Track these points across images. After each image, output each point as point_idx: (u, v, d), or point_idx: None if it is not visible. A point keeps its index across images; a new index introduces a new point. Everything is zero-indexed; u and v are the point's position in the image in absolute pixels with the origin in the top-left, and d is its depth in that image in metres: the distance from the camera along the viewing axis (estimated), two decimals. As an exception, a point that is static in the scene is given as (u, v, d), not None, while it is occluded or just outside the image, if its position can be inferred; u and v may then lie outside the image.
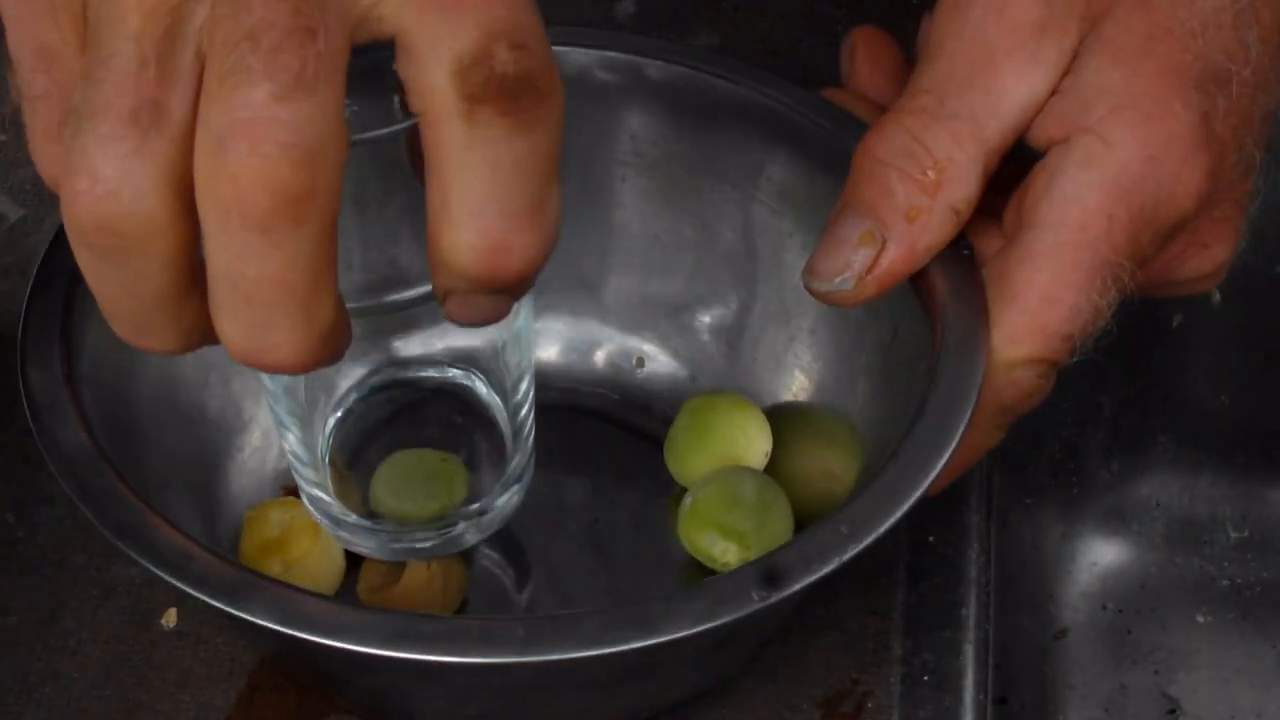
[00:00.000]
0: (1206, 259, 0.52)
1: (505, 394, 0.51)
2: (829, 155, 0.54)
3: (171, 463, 0.52)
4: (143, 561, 0.44)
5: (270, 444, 0.56)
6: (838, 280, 0.50)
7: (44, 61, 0.39)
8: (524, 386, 0.51)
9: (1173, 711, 0.71)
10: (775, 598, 0.43)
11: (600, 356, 0.60)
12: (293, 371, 0.39)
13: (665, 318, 0.59)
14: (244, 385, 0.55)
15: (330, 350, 0.39)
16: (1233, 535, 0.74)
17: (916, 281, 0.50)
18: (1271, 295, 0.70)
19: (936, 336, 0.49)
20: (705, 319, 0.59)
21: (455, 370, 0.51)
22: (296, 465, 0.51)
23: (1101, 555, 0.74)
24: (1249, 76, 0.49)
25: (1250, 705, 0.71)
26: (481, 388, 0.51)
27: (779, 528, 0.53)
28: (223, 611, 0.43)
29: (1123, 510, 0.75)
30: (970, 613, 0.55)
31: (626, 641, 0.42)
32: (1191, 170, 0.49)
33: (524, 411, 0.51)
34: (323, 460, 0.51)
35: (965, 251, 0.50)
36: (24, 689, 0.52)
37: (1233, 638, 0.72)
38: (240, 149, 0.36)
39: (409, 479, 0.51)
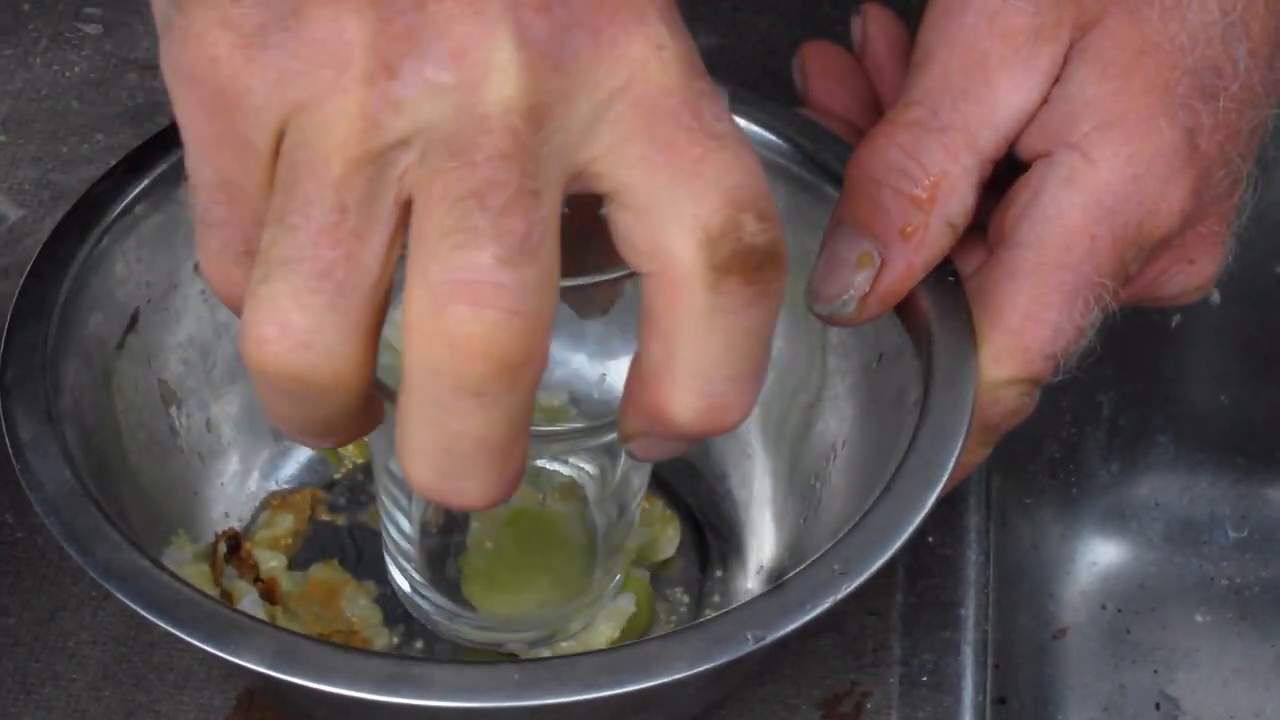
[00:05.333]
0: (1193, 274, 0.52)
1: (616, 509, 0.51)
2: (809, 173, 0.53)
3: (153, 491, 0.52)
4: (130, 603, 0.43)
5: (250, 468, 0.56)
6: (839, 302, 0.49)
7: (225, 194, 0.38)
8: (634, 507, 0.51)
9: (1172, 712, 0.71)
10: (770, 639, 0.43)
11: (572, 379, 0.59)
12: (478, 510, 0.39)
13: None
14: (222, 410, 0.55)
15: (514, 489, 0.39)
16: (1232, 535, 0.74)
17: (901, 307, 0.50)
18: (1271, 295, 0.70)
19: (924, 364, 0.49)
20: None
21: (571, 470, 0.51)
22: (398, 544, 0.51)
23: (1101, 555, 0.74)
24: (1237, 91, 0.49)
25: (1250, 705, 0.71)
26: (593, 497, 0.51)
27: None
28: (211, 655, 0.43)
29: (1122, 510, 0.75)
30: (969, 613, 0.55)
31: (621, 685, 0.42)
32: (1175, 188, 0.49)
33: (628, 532, 0.51)
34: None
35: (950, 278, 0.50)
36: (24, 689, 0.52)
37: (1232, 637, 0.72)
38: (461, 313, 0.35)
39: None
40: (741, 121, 0.55)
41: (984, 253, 0.51)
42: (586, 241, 0.40)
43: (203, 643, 0.42)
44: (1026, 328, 0.49)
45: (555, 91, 0.36)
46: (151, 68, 0.69)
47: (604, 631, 0.52)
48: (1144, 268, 0.51)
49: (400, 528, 0.50)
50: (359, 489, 0.57)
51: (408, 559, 0.51)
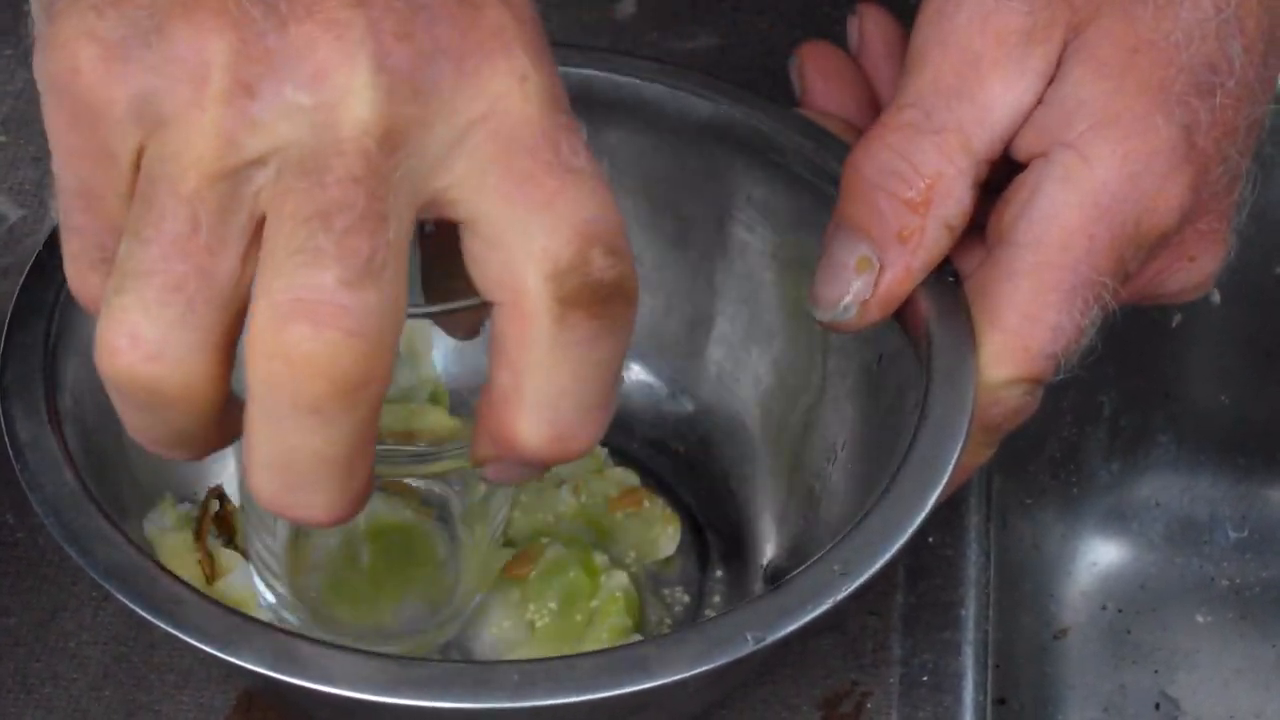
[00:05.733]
0: (1193, 271, 0.52)
1: (480, 525, 0.51)
2: (810, 173, 0.53)
3: (154, 491, 0.52)
4: (130, 604, 0.43)
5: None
6: (840, 307, 0.49)
7: (84, 201, 0.39)
8: (498, 522, 0.51)
9: (1172, 713, 0.71)
10: (770, 639, 0.43)
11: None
12: (321, 526, 0.39)
13: (645, 336, 0.59)
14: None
15: (360, 506, 0.39)
16: (1232, 535, 0.74)
17: (900, 308, 0.50)
18: (1271, 295, 0.70)
19: (924, 365, 0.49)
20: (684, 337, 0.58)
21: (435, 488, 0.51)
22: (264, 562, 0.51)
23: (1101, 555, 0.74)
24: (1233, 88, 0.49)
25: (1250, 705, 0.71)
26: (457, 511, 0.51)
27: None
28: (211, 656, 0.43)
29: (1122, 510, 0.75)
30: (970, 613, 0.55)
31: (620, 686, 0.42)
32: (1173, 185, 0.49)
33: (492, 549, 0.51)
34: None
35: (950, 279, 0.50)
36: (24, 689, 0.52)
37: (1232, 638, 0.72)
38: (301, 331, 0.36)
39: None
40: (741, 120, 0.55)
41: (983, 253, 0.51)
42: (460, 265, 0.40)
43: (202, 643, 0.42)
44: (1026, 327, 0.49)
45: (412, 117, 0.37)
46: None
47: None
48: (1144, 266, 0.51)
49: (264, 541, 0.50)
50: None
51: (272, 572, 0.51)
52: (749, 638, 0.43)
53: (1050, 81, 0.49)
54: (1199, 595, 0.73)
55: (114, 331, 0.37)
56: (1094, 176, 0.48)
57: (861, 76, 0.56)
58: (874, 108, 0.55)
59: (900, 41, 0.55)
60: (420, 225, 0.38)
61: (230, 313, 0.37)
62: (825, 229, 0.50)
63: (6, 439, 0.46)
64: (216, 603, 0.44)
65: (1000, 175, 0.50)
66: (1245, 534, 0.74)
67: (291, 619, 0.51)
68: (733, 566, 0.56)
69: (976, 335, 0.49)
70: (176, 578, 0.44)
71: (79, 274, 0.40)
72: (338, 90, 0.36)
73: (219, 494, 0.54)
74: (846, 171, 0.50)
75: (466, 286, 0.40)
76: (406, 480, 0.51)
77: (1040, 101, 0.49)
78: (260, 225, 0.37)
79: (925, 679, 0.53)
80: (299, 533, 0.51)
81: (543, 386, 0.38)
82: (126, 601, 0.43)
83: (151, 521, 0.52)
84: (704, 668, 0.42)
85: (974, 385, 0.48)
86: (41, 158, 0.65)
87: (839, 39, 0.58)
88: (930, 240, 0.49)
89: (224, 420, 0.39)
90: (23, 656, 0.53)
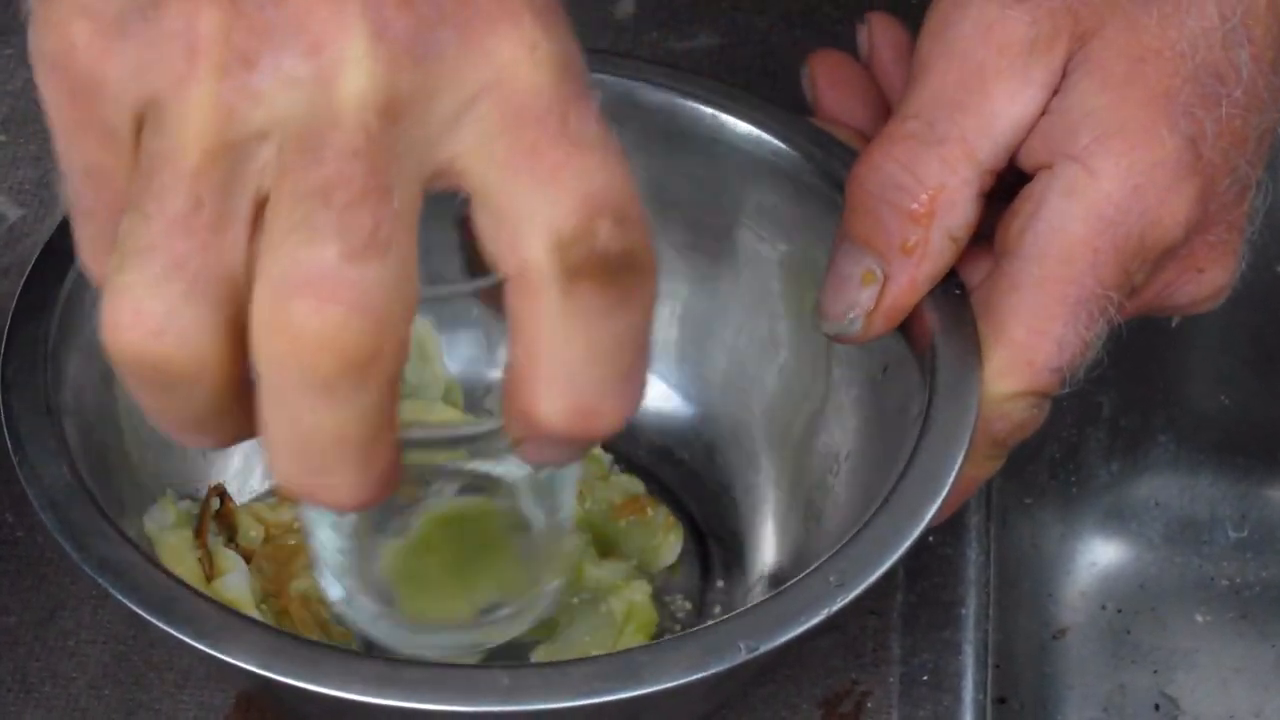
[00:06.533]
0: (1203, 284, 0.52)
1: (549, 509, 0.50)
2: (821, 182, 0.53)
3: (155, 487, 0.52)
4: (123, 599, 0.43)
5: (253, 466, 0.56)
6: (846, 320, 0.49)
7: (92, 180, 0.38)
8: (567, 506, 0.50)
9: (1172, 712, 0.71)
10: (763, 649, 0.43)
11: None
12: (346, 511, 0.39)
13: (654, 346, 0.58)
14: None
15: (387, 491, 0.39)
16: (1232, 535, 0.74)
17: (906, 319, 0.50)
18: (1271, 295, 0.70)
19: (928, 377, 0.49)
20: (692, 345, 0.58)
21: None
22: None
23: (1101, 555, 0.74)
24: (1240, 97, 0.49)
25: (1249, 705, 0.71)
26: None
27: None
28: (203, 653, 0.43)
29: (1122, 510, 0.75)
30: (969, 613, 0.55)
31: (612, 692, 0.42)
32: (1178, 197, 0.49)
33: (562, 534, 0.51)
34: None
35: (956, 290, 0.50)
36: (24, 689, 0.52)
37: (1231, 638, 0.72)
38: (304, 307, 0.35)
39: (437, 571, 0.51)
40: (750, 128, 0.55)
41: (990, 264, 0.50)
42: None
43: (194, 640, 0.42)
44: (1031, 341, 0.49)
45: (415, 87, 0.36)
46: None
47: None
48: (1151, 278, 0.50)
49: (327, 533, 0.50)
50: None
51: (337, 566, 0.51)
52: (742, 646, 0.43)
53: (1055, 92, 0.49)
54: (1198, 595, 0.73)
55: (118, 308, 0.37)
56: (1098, 189, 0.48)
57: (873, 85, 0.55)
58: (885, 116, 0.55)
59: (910, 49, 0.54)
60: (461, 207, 0.38)
61: (237, 290, 0.37)
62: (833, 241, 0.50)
63: (6, 432, 0.46)
64: (210, 600, 0.44)
65: (1010, 184, 0.50)
66: (1245, 534, 0.74)
67: (362, 615, 0.51)
68: (734, 575, 0.56)
69: (982, 348, 0.49)
70: (170, 574, 0.44)
71: (94, 258, 0.39)
72: (335, 61, 0.36)
73: (220, 491, 0.54)
74: (850, 184, 0.50)
75: None
76: (469, 465, 0.50)
77: (1045, 112, 0.49)
78: (265, 203, 0.37)
79: (925, 678, 0.53)
80: (364, 524, 0.50)
81: (557, 360, 0.38)
82: (119, 597, 0.43)
83: (151, 518, 0.52)
84: (696, 676, 0.42)
85: (978, 398, 0.48)
86: (42, 157, 0.65)
87: (839, 39, 0.57)
88: (934, 252, 0.49)
89: (247, 405, 0.38)
90: (22, 655, 0.53)
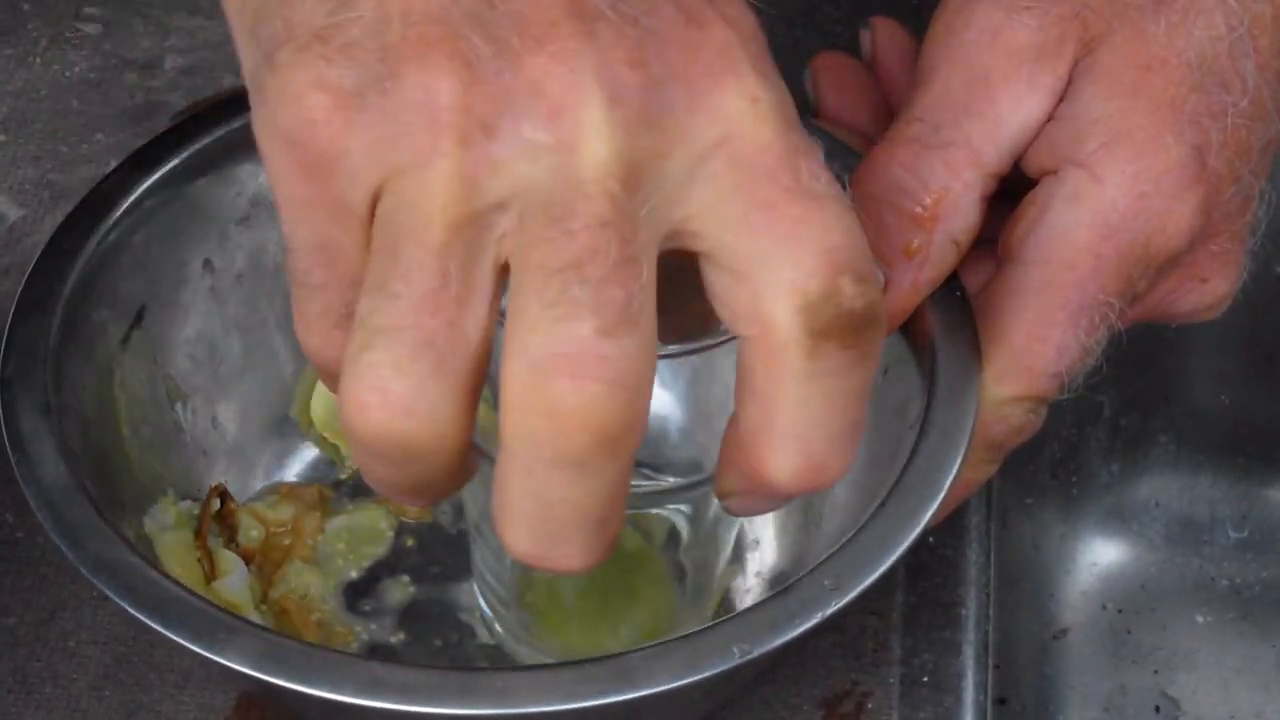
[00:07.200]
0: (1206, 293, 0.52)
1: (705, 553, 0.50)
2: None
3: (155, 487, 0.52)
4: (118, 600, 0.43)
5: (254, 465, 0.56)
6: None
7: (324, 257, 0.37)
8: (724, 553, 0.50)
9: (1172, 713, 0.71)
10: (756, 653, 0.42)
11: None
12: (575, 574, 0.39)
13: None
14: (228, 407, 0.55)
15: (611, 552, 0.38)
16: (1232, 535, 0.74)
17: (906, 321, 0.50)
18: (1271, 295, 0.70)
19: (927, 380, 0.49)
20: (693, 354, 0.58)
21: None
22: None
23: (1101, 555, 0.74)
24: (1246, 107, 0.49)
25: (1250, 705, 0.71)
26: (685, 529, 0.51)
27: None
28: (199, 655, 0.43)
29: (1122, 510, 0.75)
30: (970, 613, 0.55)
31: (604, 695, 0.42)
32: (1183, 205, 0.48)
33: (713, 578, 0.51)
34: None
35: (957, 294, 0.50)
36: (24, 689, 0.52)
37: (1232, 638, 0.72)
38: (562, 385, 0.35)
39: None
40: None
41: (992, 268, 0.50)
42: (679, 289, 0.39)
43: (189, 642, 0.42)
44: (1031, 346, 0.48)
45: (650, 150, 0.36)
46: (150, 68, 0.69)
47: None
48: (1154, 286, 0.50)
49: (485, 553, 0.50)
50: (362, 489, 0.57)
51: (497, 597, 0.51)
52: (736, 650, 0.42)
53: (1061, 98, 0.49)
54: (1199, 595, 0.73)
55: (363, 388, 0.36)
56: (1103, 196, 0.48)
57: (877, 88, 0.55)
58: (888, 119, 0.55)
59: (913, 54, 0.54)
60: None
61: (478, 363, 0.36)
62: None
63: (5, 432, 0.46)
64: (205, 601, 0.43)
65: (1014, 189, 0.50)
66: (1245, 534, 0.74)
67: (507, 633, 0.51)
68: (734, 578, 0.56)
69: (982, 352, 0.49)
70: (167, 575, 0.44)
71: (323, 333, 0.38)
72: (574, 125, 0.35)
73: (221, 492, 0.54)
74: (853, 186, 0.49)
75: (681, 317, 0.39)
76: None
77: (1051, 118, 0.49)
78: (503, 273, 0.36)
79: (925, 679, 0.53)
80: None
81: (795, 420, 0.37)
82: (114, 597, 0.43)
83: (151, 519, 0.52)
84: (689, 679, 0.42)
85: (976, 402, 0.48)
86: (41, 157, 0.65)
87: (840, 39, 0.57)
88: (937, 255, 0.49)
89: (464, 466, 0.38)
90: (23, 656, 0.53)
